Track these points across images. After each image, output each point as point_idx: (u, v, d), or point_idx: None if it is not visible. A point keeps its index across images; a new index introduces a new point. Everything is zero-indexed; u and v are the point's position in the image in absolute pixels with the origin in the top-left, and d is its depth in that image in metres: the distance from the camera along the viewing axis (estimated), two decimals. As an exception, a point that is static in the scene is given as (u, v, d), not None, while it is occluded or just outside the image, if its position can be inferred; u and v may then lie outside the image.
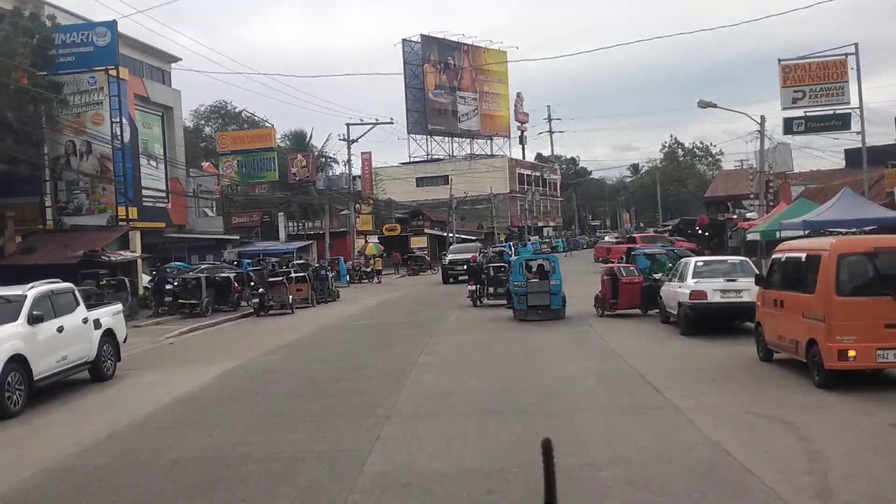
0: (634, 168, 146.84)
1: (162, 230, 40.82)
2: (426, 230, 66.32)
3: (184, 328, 23.86)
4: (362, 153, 67.81)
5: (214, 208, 53.66)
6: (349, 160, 50.69)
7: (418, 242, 62.77)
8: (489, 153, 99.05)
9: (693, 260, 17.98)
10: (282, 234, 52.46)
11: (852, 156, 61.23)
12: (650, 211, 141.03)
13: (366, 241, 53.59)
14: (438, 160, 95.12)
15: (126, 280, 26.62)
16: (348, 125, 50.26)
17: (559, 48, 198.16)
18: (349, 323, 23.64)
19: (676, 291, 17.63)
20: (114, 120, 32.98)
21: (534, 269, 22.38)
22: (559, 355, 15.42)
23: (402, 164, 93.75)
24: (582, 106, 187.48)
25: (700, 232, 49.52)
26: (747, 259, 18.13)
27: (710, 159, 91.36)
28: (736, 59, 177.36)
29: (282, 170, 54.30)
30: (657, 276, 21.02)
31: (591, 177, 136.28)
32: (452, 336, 18.99)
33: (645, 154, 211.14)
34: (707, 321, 16.83)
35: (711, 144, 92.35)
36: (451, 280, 39.86)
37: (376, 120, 49.95)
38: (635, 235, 46.30)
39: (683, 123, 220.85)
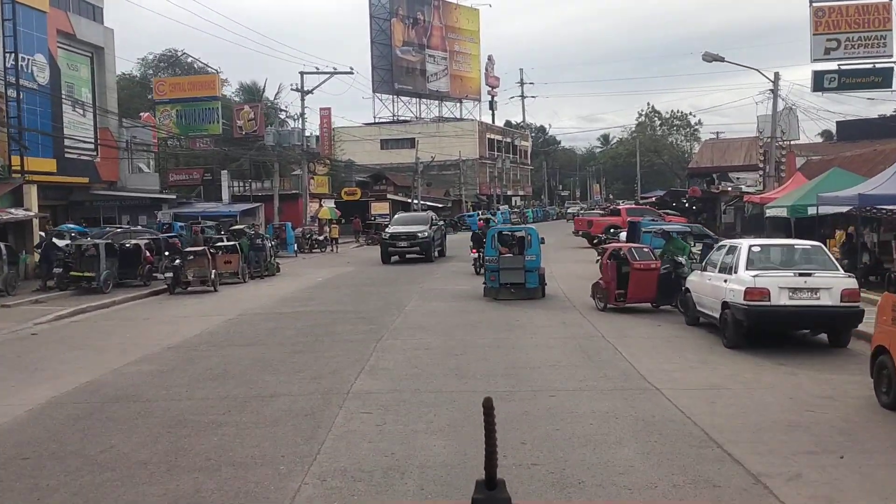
0: (604, 138, 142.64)
1: (87, 186, 35.21)
2: (389, 195, 60.89)
3: (66, 309, 18.47)
4: (321, 109, 62.04)
5: (152, 164, 47.78)
6: (303, 113, 45.00)
7: (380, 208, 57.33)
8: (458, 116, 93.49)
9: (745, 243, 12.92)
10: (225, 195, 46.75)
11: (846, 129, 57.17)
12: (620, 182, 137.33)
13: (320, 206, 48.06)
14: (405, 122, 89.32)
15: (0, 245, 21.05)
16: (302, 74, 44.49)
17: (533, 12, 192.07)
18: (276, 309, 18.34)
19: (719, 286, 12.59)
20: (7, 51, 27.07)
21: (513, 242, 19.97)
22: (561, 379, 10.34)
23: (366, 124, 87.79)
24: (552, 74, 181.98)
25: (687, 205, 44.87)
26: (821, 244, 13.18)
27: (687, 129, 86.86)
28: (713, 31, 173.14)
29: (228, 123, 48.43)
30: (679, 259, 16.05)
31: (560, 146, 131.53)
32: (408, 339, 13.83)
33: (613, 125, 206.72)
34: (767, 330, 11.94)
35: (691, 114, 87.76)
36: (395, 258, 31.43)
37: (334, 69, 44.28)
38: (620, 207, 41.35)
39: (657, 94, 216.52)
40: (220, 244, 25.98)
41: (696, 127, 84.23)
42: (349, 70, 44.56)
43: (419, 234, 30.94)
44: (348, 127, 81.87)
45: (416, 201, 63.29)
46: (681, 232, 16.80)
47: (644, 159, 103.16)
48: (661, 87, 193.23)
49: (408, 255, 31.39)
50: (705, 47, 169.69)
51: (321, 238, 41.05)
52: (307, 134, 46.15)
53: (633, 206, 43.42)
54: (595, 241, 32.57)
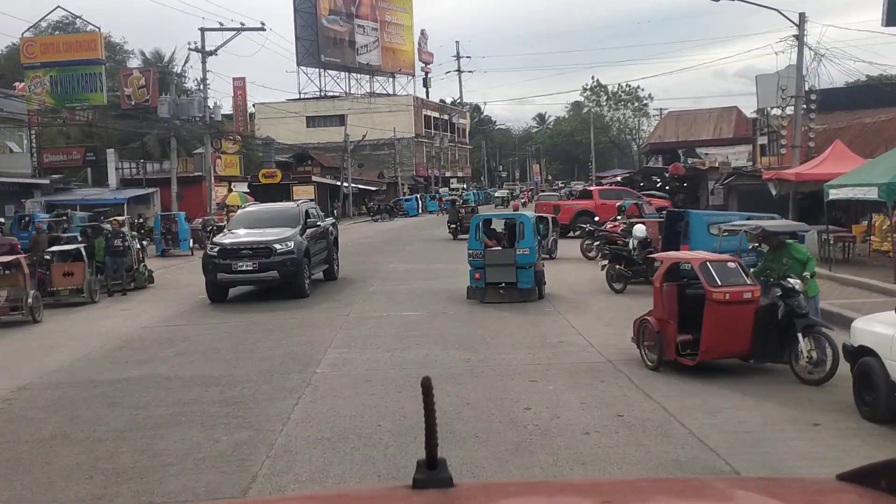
0: (540, 118, 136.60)
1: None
2: (315, 178, 52.95)
3: None
4: (234, 80, 53.72)
5: (25, 143, 39.06)
6: (204, 78, 36.74)
7: (304, 192, 49.20)
8: (391, 92, 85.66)
9: None
10: (112, 179, 38.38)
11: (829, 98, 51.58)
12: (558, 163, 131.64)
13: (230, 190, 39.96)
14: (334, 97, 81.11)
15: None
16: (203, 30, 36.25)
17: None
18: (96, 373, 10.40)
19: None
20: None
21: (503, 233, 16.47)
22: None
23: (291, 100, 79.15)
24: (490, 49, 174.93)
25: (660, 184, 38.25)
26: None
27: (636, 104, 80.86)
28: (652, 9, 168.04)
29: (115, 91, 39.85)
30: (790, 282, 8.96)
31: (497, 126, 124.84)
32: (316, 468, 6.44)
33: (544, 107, 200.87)
34: None
35: (639, 88, 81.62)
36: (231, 287, 17.13)
37: (241, 24, 36.11)
38: (591, 188, 34.27)
39: (602, 69, 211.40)
40: (55, 248, 18.08)
41: (646, 101, 78.58)
42: (261, 26, 36.44)
43: (276, 247, 16.30)
44: (270, 103, 73.48)
45: (345, 184, 55.50)
46: (782, 231, 9.61)
47: (586, 137, 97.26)
48: (607, 61, 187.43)
49: (258, 283, 16.94)
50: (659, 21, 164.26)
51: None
52: (212, 105, 37.90)
53: (607, 186, 36.38)
54: (577, 233, 25.54)
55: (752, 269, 9.56)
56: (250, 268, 16.25)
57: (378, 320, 13.66)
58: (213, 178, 37.31)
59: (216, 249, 16.68)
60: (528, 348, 10.98)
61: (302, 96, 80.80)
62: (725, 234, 11.91)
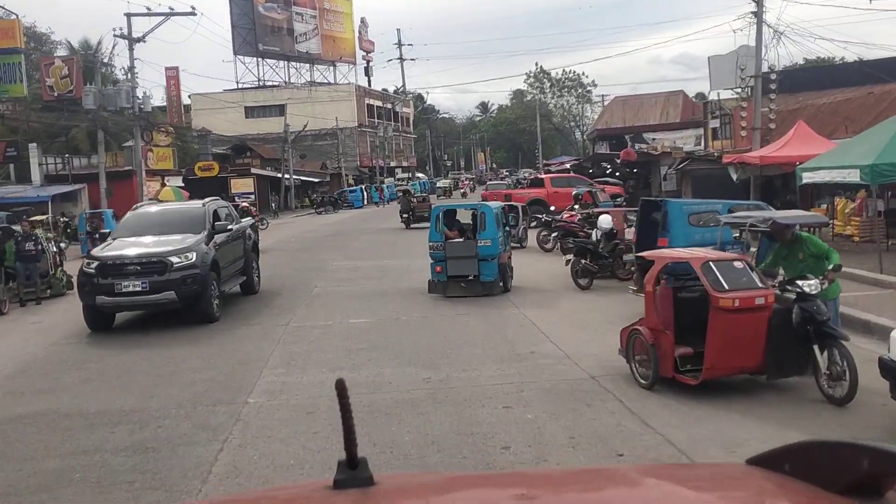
0: (483, 107, 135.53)
1: None
2: (254, 170, 50.69)
3: None
4: (167, 69, 51.15)
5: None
6: (132, 66, 34.33)
7: (242, 186, 47.19)
8: (332, 81, 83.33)
9: None
10: (35, 175, 35.73)
11: (788, 79, 51.53)
12: (503, 151, 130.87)
13: (163, 185, 37.64)
14: (273, 87, 78.50)
15: None
16: (129, 15, 33.82)
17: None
18: None
19: None
20: None
21: (465, 225, 15.99)
22: None
23: (228, 91, 76.26)
24: (431, 37, 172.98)
25: (609, 171, 37.23)
26: None
27: (579, 91, 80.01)
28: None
29: (36, 82, 37.17)
30: (808, 284, 7.65)
31: (440, 115, 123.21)
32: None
33: (486, 95, 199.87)
34: None
35: (583, 74, 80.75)
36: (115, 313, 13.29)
37: (170, 9, 33.79)
38: (542, 176, 32.87)
39: (544, 56, 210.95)
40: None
41: (590, 88, 77.79)
42: (191, 10, 34.15)
43: (173, 261, 12.72)
44: (206, 94, 70.62)
45: (286, 176, 53.35)
46: (784, 223, 8.23)
47: (530, 125, 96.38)
48: (549, 47, 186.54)
49: (150, 307, 13.24)
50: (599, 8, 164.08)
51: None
52: (141, 95, 35.50)
53: (559, 174, 35.03)
54: (532, 224, 24.17)
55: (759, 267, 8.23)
56: (139, 288, 12.44)
57: (322, 330, 12.06)
58: (143, 172, 34.98)
59: (94, 265, 12.72)
60: (496, 362, 9.52)
61: (240, 86, 78.01)
62: (722, 224, 10.52)
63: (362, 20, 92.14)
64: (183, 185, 40.67)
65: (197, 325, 12.73)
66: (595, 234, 15.89)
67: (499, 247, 14.33)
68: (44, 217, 27.26)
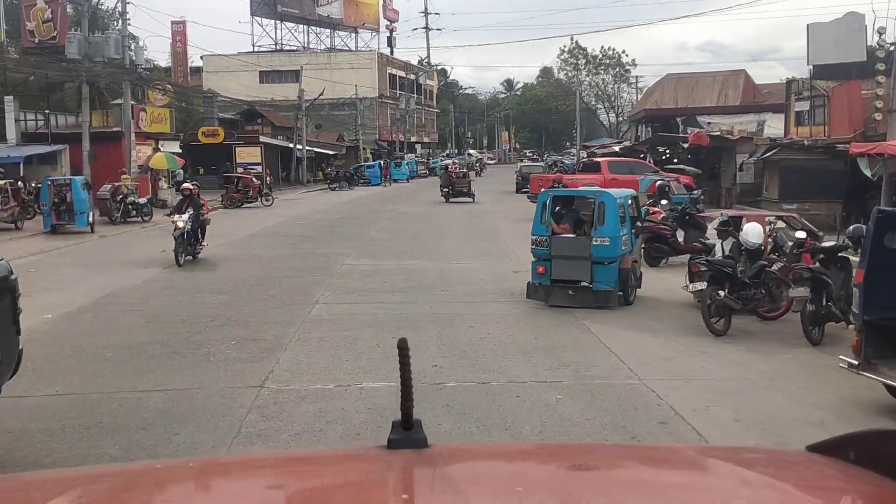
0: (508, 84, 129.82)
1: None
2: (263, 138, 45.64)
3: None
4: (173, 23, 46.12)
5: None
6: (123, 11, 29.37)
7: (249, 155, 42.18)
8: (353, 48, 78.02)
9: None
10: (10, 133, 30.86)
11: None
12: (527, 131, 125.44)
13: (155, 150, 32.73)
14: (290, 52, 73.22)
15: None
16: (121, -49, 28.82)
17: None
18: None
19: None
20: None
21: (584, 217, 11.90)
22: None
23: (243, 53, 71.11)
24: (455, 10, 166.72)
25: (668, 156, 32.03)
26: None
27: (617, 70, 74.33)
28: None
29: (15, 26, 32.24)
30: None
31: (463, 90, 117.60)
32: None
33: (512, 72, 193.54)
34: None
35: (623, 52, 74.89)
36: None
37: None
38: (599, 160, 27.40)
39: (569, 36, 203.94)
40: None
41: (629, 67, 72.13)
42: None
43: None
44: (220, 55, 65.63)
45: (299, 147, 48.31)
46: None
47: (561, 104, 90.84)
48: (578, 25, 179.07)
49: None
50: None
51: (141, 201, 25.91)
52: (133, 48, 30.50)
53: (616, 158, 29.63)
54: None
55: None
56: None
57: (316, 407, 7.06)
58: (133, 134, 30.06)
59: None
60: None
61: (256, 49, 72.82)
62: None
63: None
64: (180, 151, 35.79)
65: (139, 355, 7.79)
66: (720, 249, 10.89)
67: (621, 248, 11.33)
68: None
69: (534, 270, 11.56)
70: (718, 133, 28.27)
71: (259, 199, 32.85)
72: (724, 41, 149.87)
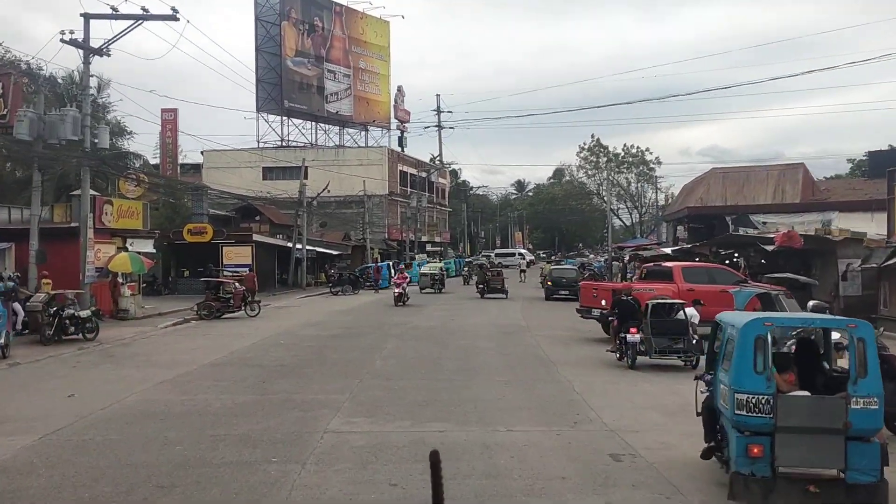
0: (519, 185, 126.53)
1: None
2: (258, 236, 40.14)
3: None
4: (164, 111, 41.50)
5: None
6: (86, 85, 24.37)
7: (237, 256, 36.53)
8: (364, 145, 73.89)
9: None
10: (-56, 228, 25.37)
11: (878, 160, 40.96)
12: (539, 231, 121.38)
13: (120, 249, 27.09)
14: (297, 147, 68.90)
15: None
16: (86, 16, 24.01)
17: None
18: None
19: None
20: None
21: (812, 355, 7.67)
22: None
23: (247, 149, 66.80)
24: (463, 112, 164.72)
25: (735, 259, 26.20)
26: None
27: (642, 168, 69.54)
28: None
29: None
30: None
31: (476, 189, 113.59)
32: None
33: (523, 172, 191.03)
34: None
35: (647, 150, 70.22)
36: None
37: (144, 10, 23.77)
38: (671, 266, 20.99)
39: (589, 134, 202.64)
40: None
41: (654, 165, 67.43)
42: (172, 14, 24.14)
43: None
44: (221, 150, 61.37)
45: (298, 246, 42.79)
46: None
47: (579, 203, 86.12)
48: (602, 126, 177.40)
49: None
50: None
51: (83, 314, 19.98)
52: (98, 130, 25.34)
53: (690, 263, 23.40)
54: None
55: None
56: None
57: None
58: (88, 230, 24.43)
59: None
60: None
61: (261, 145, 68.56)
62: None
63: (399, 88, 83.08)
64: (154, 251, 30.23)
65: None
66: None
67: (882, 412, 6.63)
68: None
69: (741, 449, 6.63)
70: (813, 233, 22.52)
71: (243, 307, 27.02)
72: (726, 146, 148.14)
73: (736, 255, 26.03)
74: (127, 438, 9.49)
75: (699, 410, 8.11)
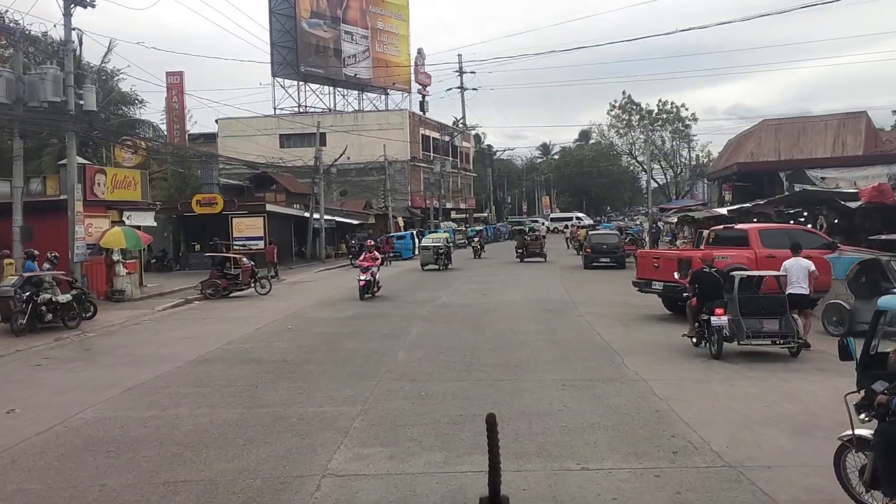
0: (545, 148, 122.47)
1: None
2: (272, 206, 37.33)
3: None
4: (169, 74, 38.66)
5: None
6: (68, 40, 21.53)
7: (249, 228, 33.78)
8: (383, 109, 70.60)
9: None
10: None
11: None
12: (566, 195, 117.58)
13: (116, 223, 24.41)
14: (314, 112, 65.85)
15: None
16: (63, -39, 21.01)
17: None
18: None
19: None
20: None
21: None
22: None
23: (263, 116, 63.95)
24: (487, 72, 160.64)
25: (805, 219, 22.94)
26: None
27: (677, 125, 65.56)
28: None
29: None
30: None
31: (500, 151, 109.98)
32: None
33: (548, 135, 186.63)
34: None
35: (683, 106, 66.09)
36: None
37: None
38: (746, 227, 17.68)
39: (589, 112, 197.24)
40: None
41: (689, 122, 63.62)
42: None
43: None
44: (236, 118, 58.58)
45: (316, 216, 39.96)
46: None
47: (608, 164, 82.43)
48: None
49: None
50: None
51: (62, 299, 17.27)
52: (84, 89, 22.48)
53: (765, 224, 20.02)
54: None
55: None
56: None
57: None
58: (76, 202, 21.69)
59: None
60: None
61: (277, 111, 65.62)
62: None
63: (419, 51, 79.28)
64: (155, 224, 27.52)
65: None
66: None
67: None
68: None
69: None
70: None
71: (253, 285, 24.31)
72: (751, 104, 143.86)
73: (805, 213, 22.76)
74: (47, 489, 6.69)
75: (872, 452, 5.18)
